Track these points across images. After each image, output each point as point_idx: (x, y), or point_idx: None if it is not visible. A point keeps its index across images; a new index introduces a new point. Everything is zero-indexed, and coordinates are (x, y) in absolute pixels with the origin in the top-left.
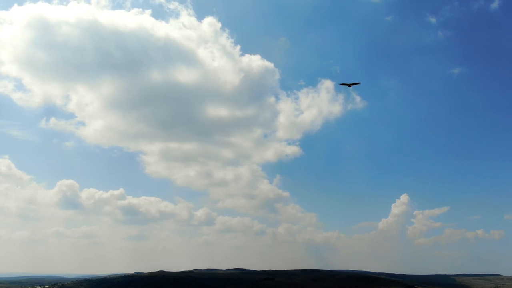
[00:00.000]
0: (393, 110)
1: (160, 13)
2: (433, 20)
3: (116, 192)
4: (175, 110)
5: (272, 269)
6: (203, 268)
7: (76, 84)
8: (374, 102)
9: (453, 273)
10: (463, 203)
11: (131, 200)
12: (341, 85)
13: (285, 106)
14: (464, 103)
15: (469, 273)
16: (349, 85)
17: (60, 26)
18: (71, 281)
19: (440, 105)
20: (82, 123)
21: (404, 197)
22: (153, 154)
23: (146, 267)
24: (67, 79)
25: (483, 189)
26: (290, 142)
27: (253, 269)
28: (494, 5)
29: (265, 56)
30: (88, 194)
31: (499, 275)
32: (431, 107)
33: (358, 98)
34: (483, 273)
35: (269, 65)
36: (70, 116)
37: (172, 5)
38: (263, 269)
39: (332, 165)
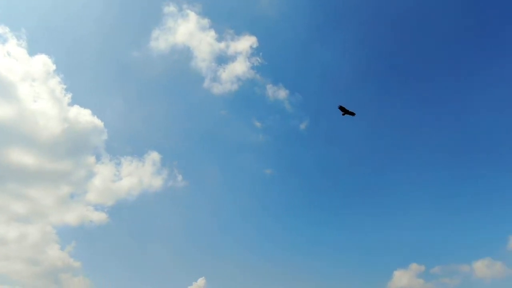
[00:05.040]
0: (210, 196)
1: None
2: (258, 124)
3: None
4: None
5: None
6: None
7: None
8: (194, 184)
9: None
10: None
11: None
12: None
13: (104, 169)
14: (269, 201)
15: None
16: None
17: None
18: None
19: (250, 200)
20: None
21: (201, 281)
22: None
23: None
24: None
25: None
26: (98, 208)
27: None
28: (302, 126)
29: (96, 113)
30: None
31: None
32: (242, 200)
33: (180, 177)
34: None
35: (99, 123)
36: None
37: (1, 29)
38: None
39: (138, 239)
